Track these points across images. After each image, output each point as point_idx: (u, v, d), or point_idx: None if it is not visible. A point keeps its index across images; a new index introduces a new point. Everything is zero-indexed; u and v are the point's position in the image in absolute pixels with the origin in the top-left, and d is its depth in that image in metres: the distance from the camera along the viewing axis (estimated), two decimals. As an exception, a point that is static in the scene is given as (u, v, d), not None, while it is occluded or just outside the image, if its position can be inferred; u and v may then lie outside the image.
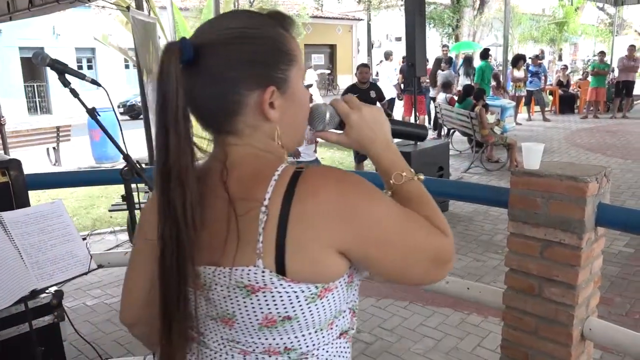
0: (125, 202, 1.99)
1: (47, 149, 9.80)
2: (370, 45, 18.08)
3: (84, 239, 2.04)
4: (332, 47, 27.90)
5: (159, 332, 0.82)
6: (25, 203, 2.18)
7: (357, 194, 0.79)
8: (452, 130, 9.17)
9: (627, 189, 6.26)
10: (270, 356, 0.81)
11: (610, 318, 3.05)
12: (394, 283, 0.88)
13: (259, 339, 0.80)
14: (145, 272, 0.90)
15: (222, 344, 0.82)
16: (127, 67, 22.02)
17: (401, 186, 0.91)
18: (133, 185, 1.95)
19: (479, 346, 2.98)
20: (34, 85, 20.55)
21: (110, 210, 5.02)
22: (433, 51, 12.61)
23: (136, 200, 1.97)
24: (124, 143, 1.88)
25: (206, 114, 0.83)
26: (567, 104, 14.02)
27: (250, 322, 0.78)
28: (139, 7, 4.55)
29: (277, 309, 0.77)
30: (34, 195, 2.32)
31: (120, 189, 2.00)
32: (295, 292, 0.76)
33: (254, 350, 0.81)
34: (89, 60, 22.14)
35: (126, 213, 5.21)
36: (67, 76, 1.84)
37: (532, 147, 1.80)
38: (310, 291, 0.77)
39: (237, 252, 0.76)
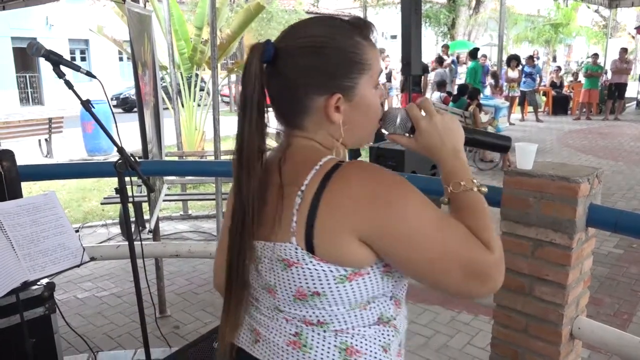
0: (118, 195, 1.98)
1: (39, 141, 9.73)
2: (365, 43, 18.04)
3: (76, 231, 2.04)
4: (328, 44, 27.85)
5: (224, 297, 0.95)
6: (18, 194, 2.17)
7: (389, 188, 0.83)
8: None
9: (617, 190, 6.32)
10: (307, 326, 0.88)
11: (599, 318, 3.09)
12: (431, 288, 0.89)
13: (295, 309, 0.88)
14: (223, 244, 1.00)
15: (271, 310, 0.92)
16: (120, 59, 21.86)
17: (457, 195, 0.92)
18: (127, 179, 1.95)
19: (469, 344, 3.00)
20: (26, 76, 20.36)
21: (102, 203, 5.00)
22: (428, 50, 12.62)
23: (129, 193, 1.97)
24: (118, 136, 1.87)
25: (280, 109, 0.93)
26: (560, 105, 14.11)
27: (287, 294, 0.87)
28: (135, -1, 4.51)
29: (307, 284, 0.84)
30: (25, 187, 2.31)
31: (112, 182, 2.00)
32: (324, 270, 0.83)
33: (293, 318, 0.89)
34: (82, 52, 21.95)
35: (118, 206, 5.20)
36: (62, 67, 1.83)
37: (526, 148, 1.81)
38: (339, 272, 0.83)
39: (280, 230, 0.85)
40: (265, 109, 0.90)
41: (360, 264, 0.84)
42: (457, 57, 14.04)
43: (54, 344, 2.13)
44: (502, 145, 1.06)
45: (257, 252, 0.90)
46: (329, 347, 0.87)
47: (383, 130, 0.99)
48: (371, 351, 0.88)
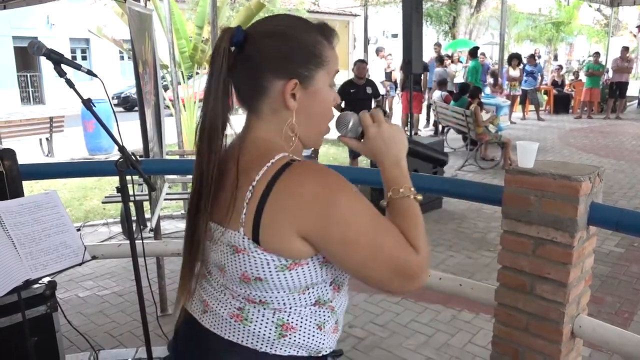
0: (119, 194, 1.98)
1: (40, 140, 9.74)
2: (366, 42, 18.04)
3: (78, 230, 2.04)
4: (329, 43, 27.77)
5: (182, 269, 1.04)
6: (19, 193, 2.17)
7: (330, 192, 0.89)
8: (447, 128, 9.19)
9: (619, 189, 6.31)
10: (249, 303, 0.97)
11: (600, 316, 3.09)
12: (359, 281, 0.96)
13: (241, 289, 0.96)
14: None
15: (220, 285, 1.01)
16: (122, 58, 21.85)
17: (395, 200, 1.00)
18: (128, 177, 1.95)
19: (470, 342, 3.00)
20: (27, 75, 20.36)
21: (103, 202, 5.00)
22: (429, 49, 12.57)
23: (131, 192, 1.97)
24: (119, 134, 1.87)
25: (241, 90, 0.99)
26: (561, 104, 14.08)
27: (234, 275, 0.95)
28: (136, -2, 4.51)
29: (251, 269, 0.92)
30: (26, 186, 2.31)
31: (113, 181, 2.00)
32: (267, 259, 0.91)
33: (238, 295, 0.98)
34: (83, 51, 21.95)
35: (119, 205, 5.20)
36: (63, 66, 1.83)
37: (527, 146, 1.81)
38: (280, 262, 0.91)
39: (232, 217, 0.92)
40: (230, 89, 0.97)
41: (300, 256, 0.92)
42: (451, 56, 13.99)
43: (55, 343, 2.13)
44: (440, 159, 1.19)
45: (212, 233, 0.98)
46: (267, 322, 0.96)
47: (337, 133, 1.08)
48: (306, 328, 0.98)
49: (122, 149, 1.85)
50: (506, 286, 1.90)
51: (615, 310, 3.37)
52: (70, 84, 1.81)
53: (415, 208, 1.00)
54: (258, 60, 0.95)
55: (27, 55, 19.00)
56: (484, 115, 7.76)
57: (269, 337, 0.96)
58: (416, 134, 9.10)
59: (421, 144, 1.16)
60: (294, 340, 0.97)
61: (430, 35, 20.04)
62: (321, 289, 0.98)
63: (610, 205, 1.86)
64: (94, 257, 2.12)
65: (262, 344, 0.97)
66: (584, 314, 1.88)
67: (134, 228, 4.56)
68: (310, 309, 0.98)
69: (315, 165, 0.93)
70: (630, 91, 13.66)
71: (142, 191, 4.39)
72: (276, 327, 0.96)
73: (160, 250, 2.83)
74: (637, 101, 15.19)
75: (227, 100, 0.95)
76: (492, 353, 1.98)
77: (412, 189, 1.01)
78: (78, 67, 1.87)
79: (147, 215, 5.14)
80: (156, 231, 3.32)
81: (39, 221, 1.86)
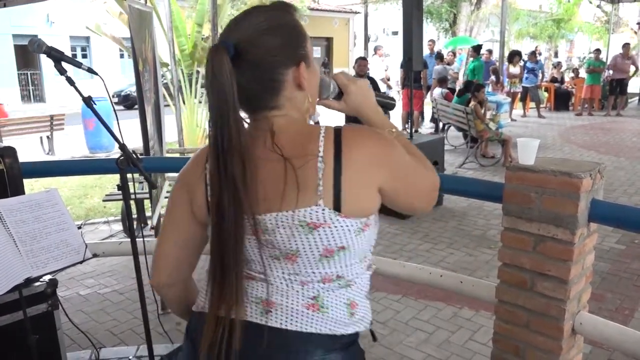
0: (120, 192, 1.98)
1: (41, 138, 9.74)
2: (367, 39, 18.01)
3: (78, 228, 2.04)
4: (329, 40, 27.74)
5: (209, 276, 0.98)
6: (20, 191, 2.17)
7: (387, 144, 1.01)
8: (447, 126, 9.18)
9: (619, 186, 6.31)
10: (324, 283, 1.00)
11: (601, 313, 3.08)
12: (406, 211, 1.12)
13: (318, 268, 0.98)
14: (179, 236, 1.08)
15: (284, 278, 1.00)
16: (122, 56, 21.82)
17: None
18: (129, 175, 1.95)
19: (471, 339, 3.00)
20: (27, 73, 20.35)
21: (104, 200, 5.00)
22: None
23: (131, 190, 1.97)
24: (120, 132, 1.87)
25: (252, 96, 0.99)
26: (562, 101, 14.06)
27: (312, 255, 0.97)
28: (136, -5, 4.50)
29: (334, 240, 0.96)
30: (27, 184, 2.31)
31: (113, 179, 2.00)
32: (348, 226, 0.95)
33: (311, 280, 0.99)
34: (83, 49, 21.93)
35: (120, 203, 5.20)
36: (64, 64, 1.82)
37: (527, 143, 1.81)
38: (357, 225, 0.97)
39: (299, 197, 0.93)
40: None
41: (371, 213, 1.00)
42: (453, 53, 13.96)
43: (57, 340, 2.13)
44: (387, 103, 1.28)
45: (267, 225, 0.96)
46: (340, 305, 1.01)
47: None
48: (362, 301, 1.06)
49: (122, 146, 1.85)
50: (507, 283, 1.90)
51: (615, 307, 3.37)
52: (70, 81, 1.81)
53: (408, 140, 1.16)
54: (267, 60, 0.96)
55: (28, 53, 19.00)
56: (488, 114, 7.76)
57: (343, 318, 1.01)
58: (417, 131, 9.08)
59: (376, 93, 1.27)
60: (359, 316, 1.04)
61: (431, 32, 20.00)
62: (370, 252, 1.07)
63: (611, 202, 1.86)
64: (95, 255, 2.12)
65: (338, 327, 1.00)
66: (585, 311, 1.89)
67: (135, 226, 4.56)
68: (365, 276, 1.06)
69: (357, 126, 1.02)
70: (631, 88, 13.64)
71: (142, 189, 4.39)
72: (347, 307, 1.01)
73: (161, 248, 2.83)
74: (637, 98, 15.16)
75: (240, 115, 0.95)
76: (493, 350, 1.98)
77: (395, 126, 1.17)
78: (79, 65, 1.87)
79: (148, 213, 5.14)
80: (157, 229, 3.33)
81: (40, 219, 1.86)
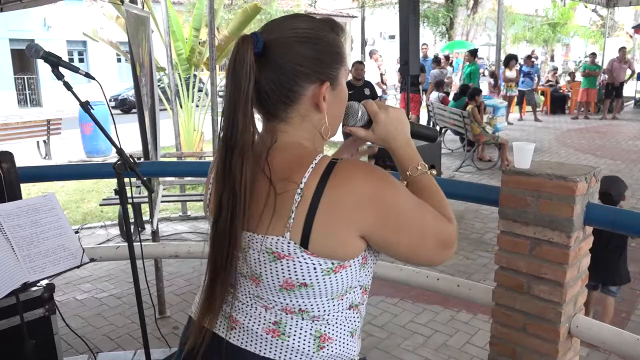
0: (117, 197, 1.98)
1: (37, 143, 9.71)
2: (363, 43, 18.08)
3: (76, 232, 2.04)
4: (326, 44, 27.77)
5: (204, 285, 0.96)
6: (17, 196, 2.17)
7: (383, 185, 0.91)
8: (444, 129, 9.21)
9: (615, 189, 6.32)
10: (286, 314, 0.94)
11: (597, 316, 3.09)
12: (406, 262, 1.03)
13: (279, 298, 0.93)
14: None
15: (250, 298, 0.97)
16: (119, 60, 21.83)
17: (415, 178, 1.06)
18: (126, 180, 1.95)
19: (468, 343, 3.01)
20: (24, 78, 20.32)
21: (101, 205, 4.99)
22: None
23: (129, 194, 1.97)
24: (117, 137, 1.88)
25: (267, 99, 0.94)
26: (558, 104, 14.11)
27: (273, 283, 0.92)
28: (133, 0, 4.51)
29: (296, 275, 0.90)
30: (24, 189, 2.31)
31: (111, 183, 2.01)
32: (314, 264, 0.89)
33: (273, 306, 0.95)
34: (80, 54, 21.91)
35: (117, 207, 5.20)
36: (61, 69, 1.83)
37: (523, 147, 1.82)
38: (327, 265, 0.90)
39: (271, 224, 0.89)
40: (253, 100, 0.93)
41: (349, 257, 0.91)
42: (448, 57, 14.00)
43: (54, 345, 2.13)
44: (429, 135, 1.23)
45: (242, 243, 0.93)
46: (305, 335, 0.95)
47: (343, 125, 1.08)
48: (341, 336, 0.98)
49: (120, 151, 1.86)
50: (503, 286, 1.91)
51: (612, 310, 3.38)
52: (68, 86, 1.81)
53: (434, 181, 1.06)
54: (290, 67, 0.92)
55: (24, 58, 18.97)
56: (484, 118, 7.79)
57: (308, 350, 0.95)
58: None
59: (415, 123, 1.20)
60: (331, 352, 0.97)
61: (427, 36, 20.06)
62: (355, 292, 0.98)
63: (607, 205, 1.87)
64: (92, 260, 2.12)
65: (300, 358, 0.94)
66: (581, 314, 1.89)
67: (132, 230, 4.56)
68: (345, 313, 0.97)
69: (358, 162, 0.97)
70: (627, 91, 13.70)
71: (139, 193, 4.39)
72: (314, 340, 0.95)
73: (159, 253, 2.83)
74: (633, 101, 15.23)
75: (253, 112, 0.92)
76: (490, 353, 1.99)
77: (426, 165, 1.07)
78: (76, 70, 1.88)
79: (145, 217, 5.14)
80: (154, 233, 3.32)
81: (37, 224, 1.86)
